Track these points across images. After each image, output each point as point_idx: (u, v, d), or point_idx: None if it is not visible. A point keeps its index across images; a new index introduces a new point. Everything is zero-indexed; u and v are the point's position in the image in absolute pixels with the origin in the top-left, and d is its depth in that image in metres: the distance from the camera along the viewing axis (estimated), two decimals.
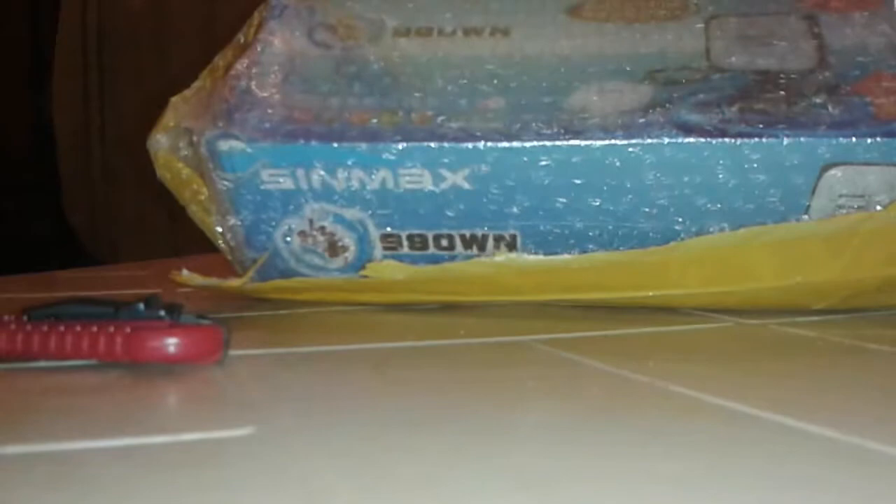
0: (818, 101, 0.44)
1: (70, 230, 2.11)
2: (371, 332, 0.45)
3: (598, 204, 0.45)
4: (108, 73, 2.11)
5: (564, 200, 0.45)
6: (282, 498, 0.21)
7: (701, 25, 0.49)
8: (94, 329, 0.34)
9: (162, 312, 0.35)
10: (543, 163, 0.45)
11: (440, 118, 0.46)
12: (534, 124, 0.45)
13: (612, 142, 0.44)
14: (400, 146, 0.45)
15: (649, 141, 0.44)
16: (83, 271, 0.83)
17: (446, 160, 0.45)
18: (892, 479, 0.22)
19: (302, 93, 0.48)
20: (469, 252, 0.47)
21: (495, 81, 0.47)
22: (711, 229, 0.45)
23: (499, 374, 0.35)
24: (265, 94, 0.48)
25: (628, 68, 0.47)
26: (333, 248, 0.48)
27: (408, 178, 0.46)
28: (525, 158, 0.45)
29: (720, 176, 0.44)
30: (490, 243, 0.47)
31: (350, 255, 0.48)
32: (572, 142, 0.44)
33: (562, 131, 0.45)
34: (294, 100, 0.48)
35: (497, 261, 0.45)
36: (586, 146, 0.44)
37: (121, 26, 2.09)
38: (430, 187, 0.46)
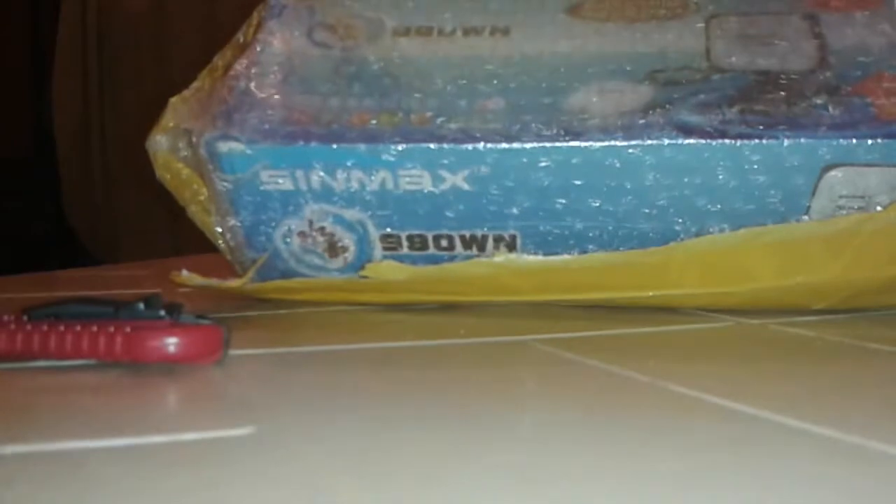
0: (819, 101, 0.44)
1: (70, 230, 2.11)
2: (371, 332, 0.45)
3: (597, 205, 0.45)
4: (108, 73, 2.11)
5: (564, 201, 0.45)
6: (282, 497, 0.21)
7: (701, 25, 0.49)
8: (94, 329, 0.34)
9: (162, 312, 0.35)
10: (543, 164, 0.45)
11: (440, 119, 0.46)
12: (533, 125, 0.45)
13: (612, 143, 0.44)
14: (399, 147, 0.45)
15: (649, 142, 0.44)
16: (83, 271, 0.83)
17: (446, 161, 0.45)
18: (892, 478, 0.22)
19: (301, 93, 0.48)
20: (469, 252, 0.47)
21: (495, 82, 0.47)
22: (711, 230, 0.45)
23: (499, 373, 0.35)
24: (264, 95, 0.48)
25: (628, 68, 0.47)
26: (333, 249, 0.48)
27: (407, 180, 0.46)
28: (525, 160, 0.45)
29: (720, 177, 0.44)
30: (490, 244, 0.47)
31: (350, 255, 0.48)
32: (572, 143, 0.44)
33: (561, 132, 0.45)
34: (293, 100, 0.48)
35: (496, 261, 0.45)
36: (586, 147, 0.44)
37: (121, 27, 2.09)
38: (430, 188, 0.46)
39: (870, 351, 0.39)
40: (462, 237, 0.47)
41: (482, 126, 0.45)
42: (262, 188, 0.47)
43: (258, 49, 0.50)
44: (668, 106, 0.45)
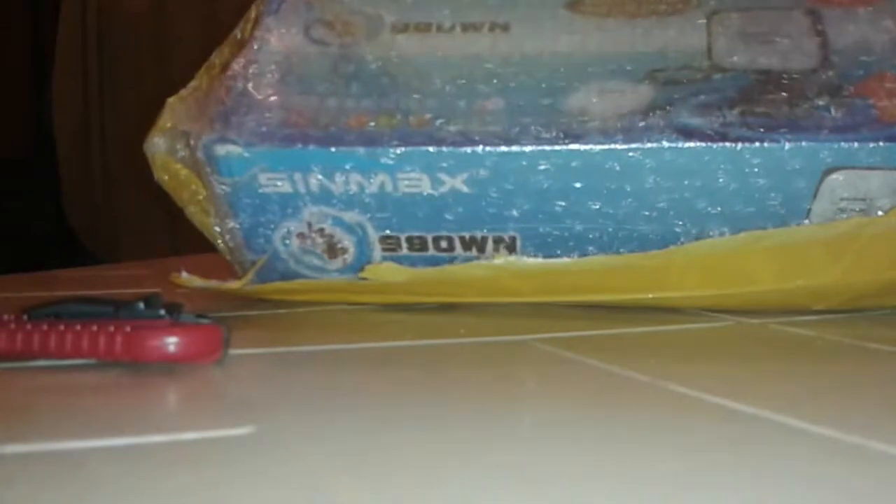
0: (821, 103, 0.44)
1: (70, 230, 2.11)
2: (371, 332, 0.45)
3: (597, 207, 0.45)
4: (108, 73, 2.11)
5: (564, 204, 0.45)
6: (282, 497, 0.21)
7: (703, 21, 0.48)
8: (94, 328, 0.34)
9: (162, 312, 0.35)
10: (542, 167, 0.44)
11: (438, 121, 0.46)
12: (533, 128, 0.45)
13: (612, 146, 0.44)
14: (398, 150, 0.45)
15: (649, 146, 0.44)
16: (83, 271, 0.83)
17: (445, 164, 0.45)
18: (892, 478, 0.22)
19: (299, 94, 0.48)
20: (468, 253, 0.47)
21: (494, 81, 0.47)
22: (712, 233, 0.45)
23: (499, 373, 0.35)
24: (262, 96, 0.47)
25: (629, 68, 0.47)
26: (332, 250, 0.48)
27: (406, 182, 0.45)
28: (524, 162, 0.45)
29: (721, 180, 0.44)
30: (489, 245, 0.47)
31: (349, 256, 0.48)
32: (571, 146, 0.44)
33: (561, 135, 0.44)
34: (291, 101, 0.47)
35: (496, 263, 0.45)
36: (586, 150, 0.44)
37: (121, 27, 2.09)
38: (429, 191, 0.45)
39: (870, 351, 0.39)
40: (462, 238, 0.47)
41: (481, 128, 0.45)
42: (260, 191, 0.46)
43: (255, 47, 0.49)
44: (668, 107, 0.45)
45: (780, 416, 0.27)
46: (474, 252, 0.47)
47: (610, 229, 0.45)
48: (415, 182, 0.45)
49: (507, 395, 0.31)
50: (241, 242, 0.48)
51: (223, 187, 0.47)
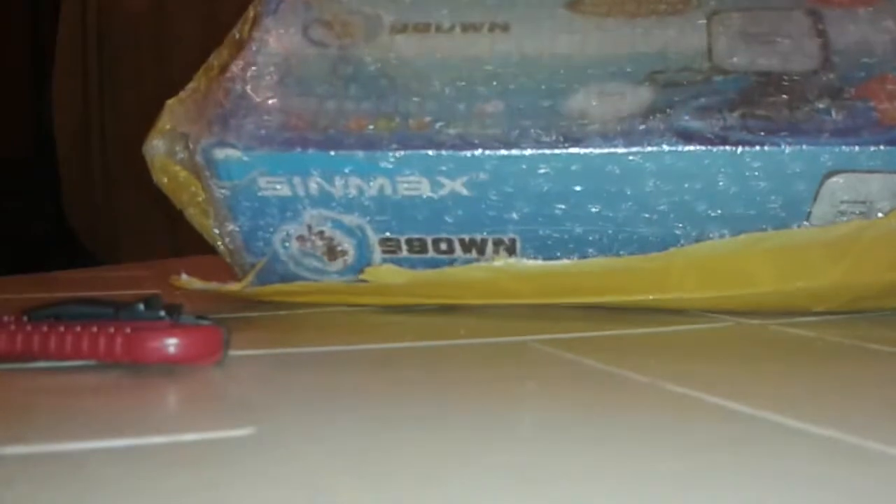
0: (821, 105, 0.44)
1: (70, 231, 2.11)
2: (371, 333, 0.45)
3: (597, 210, 0.45)
4: (108, 73, 2.10)
5: (564, 207, 0.45)
6: (282, 497, 0.21)
7: (703, 21, 0.48)
8: (94, 329, 0.34)
9: (162, 313, 0.35)
10: (542, 170, 0.44)
11: (438, 124, 0.46)
12: (532, 131, 0.45)
13: (612, 150, 0.44)
14: (397, 154, 0.45)
15: (649, 149, 0.44)
16: (83, 271, 0.83)
17: (444, 168, 0.45)
18: (892, 478, 0.22)
19: (298, 96, 0.48)
20: (468, 255, 0.47)
21: (494, 83, 0.47)
22: (712, 235, 0.45)
23: (499, 373, 0.35)
24: (261, 99, 0.47)
25: (629, 69, 0.47)
26: (332, 252, 0.48)
27: (406, 186, 0.45)
28: (524, 166, 0.44)
29: (721, 183, 0.44)
30: (489, 247, 0.47)
31: (349, 258, 0.48)
32: (571, 150, 0.44)
33: (560, 139, 0.44)
34: (290, 104, 0.47)
35: (496, 265, 0.45)
36: (586, 154, 0.44)
37: (121, 27, 2.09)
38: (429, 194, 0.45)
39: (870, 351, 0.39)
40: (461, 241, 0.47)
41: (481, 131, 0.45)
42: (259, 194, 0.46)
43: (254, 49, 0.49)
44: (668, 110, 0.45)
45: (780, 416, 0.27)
46: (474, 254, 0.47)
47: (610, 232, 0.45)
48: (414, 185, 0.45)
49: (507, 396, 0.31)
50: (241, 245, 0.48)
51: (222, 191, 0.47)
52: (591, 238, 0.46)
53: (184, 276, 0.49)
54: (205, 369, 0.34)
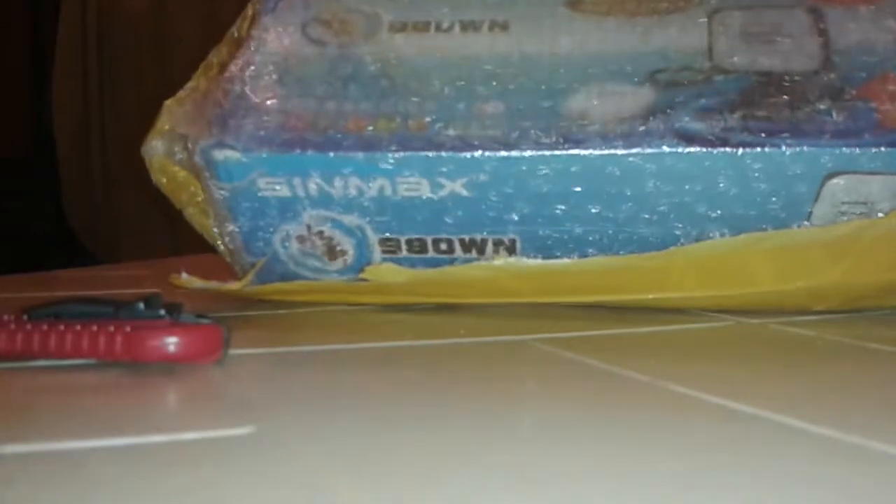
0: (822, 106, 0.44)
1: (70, 230, 2.11)
2: (371, 332, 0.45)
3: (597, 211, 0.45)
4: (108, 73, 2.11)
5: (563, 207, 0.45)
6: (282, 497, 0.21)
7: (704, 20, 0.48)
8: (94, 328, 0.34)
9: (162, 312, 0.35)
10: (542, 172, 0.44)
11: (438, 125, 0.45)
12: (532, 132, 0.45)
13: (612, 151, 0.44)
14: (397, 155, 0.45)
15: (649, 150, 0.44)
16: (83, 271, 0.83)
17: (444, 169, 0.45)
18: (892, 478, 0.22)
19: (297, 96, 0.47)
20: (468, 255, 0.47)
21: (494, 83, 0.47)
22: (712, 235, 0.45)
23: (499, 373, 0.35)
24: (260, 99, 0.47)
25: (629, 68, 0.47)
26: (332, 252, 0.48)
27: (405, 187, 0.45)
28: (523, 167, 0.44)
29: (721, 184, 0.44)
30: (489, 247, 0.47)
31: (349, 258, 0.48)
32: (571, 151, 0.44)
33: (560, 140, 0.44)
34: (289, 104, 0.47)
35: (496, 265, 0.45)
36: (586, 155, 0.44)
37: (121, 27, 2.09)
38: (429, 195, 0.45)
39: (870, 351, 0.39)
40: (461, 241, 0.47)
41: (481, 132, 0.45)
42: (259, 195, 0.46)
43: (252, 48, 0.49)
44: (669, 111, 0.44)
45: (780, 416, 0.27)
46: (474, 254, 0.47)
47: (610, 232, 0.45)
48: (414, 186, 0.45)
49: (507, 395, 0.31)
50: (241, 245, 0.48)
51: (222, 192, 0.47)
52: (591, 238, 0.46)
53: (184, 275, 0.49)
54: (205, 368, 0.34)
